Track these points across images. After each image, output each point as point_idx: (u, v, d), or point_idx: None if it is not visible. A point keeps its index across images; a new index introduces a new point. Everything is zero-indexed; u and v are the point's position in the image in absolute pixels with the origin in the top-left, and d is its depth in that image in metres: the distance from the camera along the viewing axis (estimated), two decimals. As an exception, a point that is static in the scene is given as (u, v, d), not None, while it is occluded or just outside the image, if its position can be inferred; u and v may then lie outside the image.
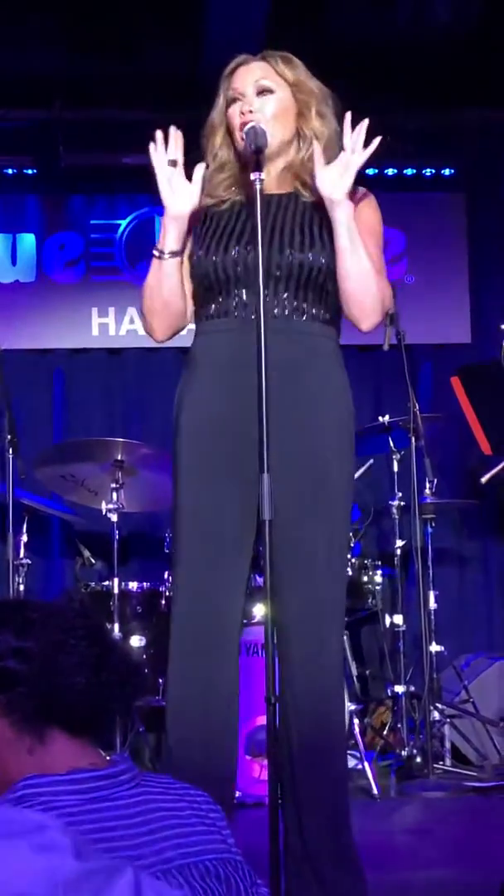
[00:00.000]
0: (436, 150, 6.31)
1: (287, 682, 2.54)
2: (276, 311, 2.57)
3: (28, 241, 6.21)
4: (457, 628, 5.86)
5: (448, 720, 4.82)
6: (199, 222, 2.67)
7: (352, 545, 4.90)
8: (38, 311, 6.16)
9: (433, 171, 6.39)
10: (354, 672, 5.08)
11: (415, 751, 4.60)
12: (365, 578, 5.02)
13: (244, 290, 2.58)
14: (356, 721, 4.43)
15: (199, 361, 2.65)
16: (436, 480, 5.05)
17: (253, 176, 2.47)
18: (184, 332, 2.79)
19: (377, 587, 5.06)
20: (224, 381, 2.58)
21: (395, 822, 4.05)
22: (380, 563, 5.16)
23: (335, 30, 5.38)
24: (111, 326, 6.17)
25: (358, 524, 5.12)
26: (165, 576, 4.71)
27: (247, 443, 2.41)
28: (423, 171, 6.39)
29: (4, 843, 1.20)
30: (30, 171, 6.22)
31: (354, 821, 2.59)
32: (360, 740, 4.38)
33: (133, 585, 4.73)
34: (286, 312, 2.59)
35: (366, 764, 4.32)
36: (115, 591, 4.56)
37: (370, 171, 6.25)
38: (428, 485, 5.01)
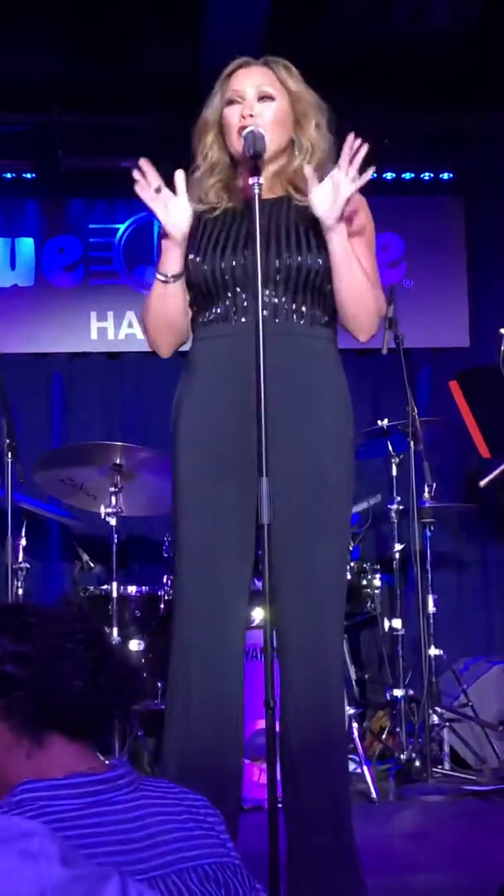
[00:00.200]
0: (434, 153, 6.31)
1: (288, 687, 2.54)
2: (274, 314, 2.57)
3: (27, 244, 6.21)
4: (456, 632, 5.85)
5: (447, 724, 4.82)
6: (194, 228, 2.66)
7: (351, 549, 4.90)
8: (36, 315, 6.17)
9: (432, 174, 6.39)
10: (353, 676, 5.07)
11: (414, 755, 4.60)
12: (364, 582, 5.02)
13: (243, 295, 2.58)
14: (355, 725, 4.43)
15: (199, 366, 2.65)
16: (434, 484, 5.05)
17: (252, 180, 2.48)
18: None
19: (376, 591, 5.06)
20: (224, 384, 2.58)
21: (394, 825, 4.05)
22: (378, 567, 5.15)
23: (334, 32, 5.38)
24: (110, 330, 6.17)
25: (357, 528, 5.12)
26: (164, 580, 4.71)
27: (246, 446, 2.42)
28: (422, 175, 6.39)
29: None
30: (29, 175, 6.22)
31: (353, 824, 2.59)
32: (359, 744, 4.38)
33: (132, 589, 4.73)
34: (285, 316, 2.59)
35: (365, 768, 4.32)
36: (114, 594, 4.55)
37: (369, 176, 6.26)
38: (427, 489, 5.01)
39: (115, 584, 4.57)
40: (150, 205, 2.57)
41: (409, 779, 4.53)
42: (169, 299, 2.64)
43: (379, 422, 5.09)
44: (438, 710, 4.79)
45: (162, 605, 4.67)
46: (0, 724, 1.53)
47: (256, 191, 2.46)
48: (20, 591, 4.68)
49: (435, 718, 4.73)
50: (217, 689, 2.52)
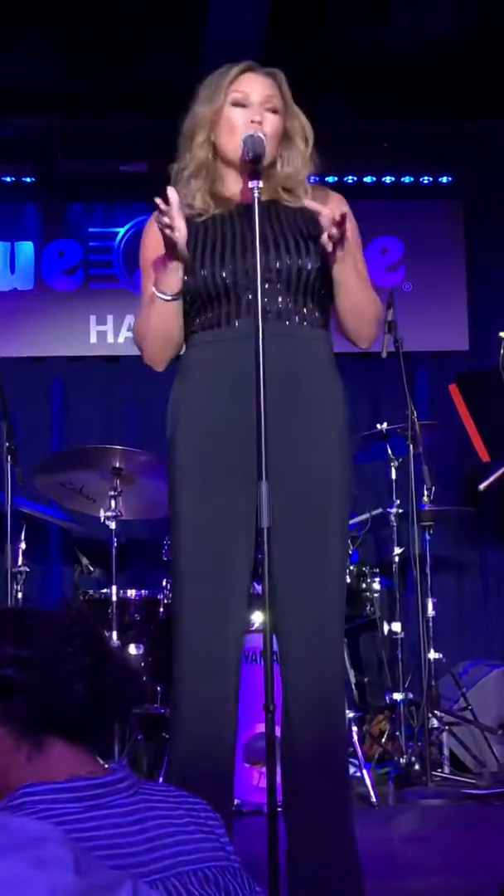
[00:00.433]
0: (433, 157, 6.33)
1: (289, 691, 2.53)
2: (277, 316, 2.58)
3: (26, 248, 6.22)
4: (455, 636, 5.86)
5: (446, 727, 4.82)
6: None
7: (350, 552, 4.90)
8: (36, 319, 6.17)
9: (431, 178, 6.40)
10: (353, 680, 5.08)
11: (413, 758, 4.60)
12: (363, 586, 5.02)
13: (243, 298, 2.58)
14: (354, 729, 4.43)
15: (199, 369, 2.64)
16: (434, 488, 5.06)
17: (251, 184, 2.48)
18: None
19: (375, 595, 5.06)
20: (225, 387, 2.57)
21: (394, 829, 4.05)
22: (378, 570, 5.16)
23: (334, 39, 5.39)
24: (109, 334, 6.18)
25: (356, 532, 5.13)
26: (164, 583, 4.71)
27: (246, 450, 2.42)
28: (421, 179, 6.40)
29: (1, 859, 1.19)
30: (28, 180, 6.23)
31: (354, 829, 2.58)
32: (358, 748, 4.38)
33: (131, 593, 4.73)
34: (286, 317, 2.59)
35: (364, 771, 4.32)
36: (114, 598, 4.56)
37: (368, 179, 6.27)
38: (426, 492, 5.02)
39: (114, 588, 4.57)
40: (166, 232, 2.49)
41: (409, 782, 4.54)
42: (172, 317, 2.62)
43: (378, 425, 5.10)
44: (438, 713, 4.79)
45: (161, 609, 4.67)
46: (0, 728, 1.53)
47: (256, 195, 2.46)
48: (20, 595, 4.68)
49: (434, 722, 4.73)
50: (213, 692, 2.52)
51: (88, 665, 1.54)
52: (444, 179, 6.41)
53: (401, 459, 5.16)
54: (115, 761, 1.61)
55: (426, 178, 6.40)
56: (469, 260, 6.41)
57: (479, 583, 6.18)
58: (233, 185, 2.69)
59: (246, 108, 2.65)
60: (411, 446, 4.85)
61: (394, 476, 5.21)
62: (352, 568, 4.93)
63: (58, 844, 1.22)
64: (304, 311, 2.62)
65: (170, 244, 2.51)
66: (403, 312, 5.12)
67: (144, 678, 4.55)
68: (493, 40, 5.43)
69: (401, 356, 4.81)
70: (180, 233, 2.50)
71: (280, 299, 2.59)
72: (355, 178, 6.19)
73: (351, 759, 4.18)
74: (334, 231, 2.47)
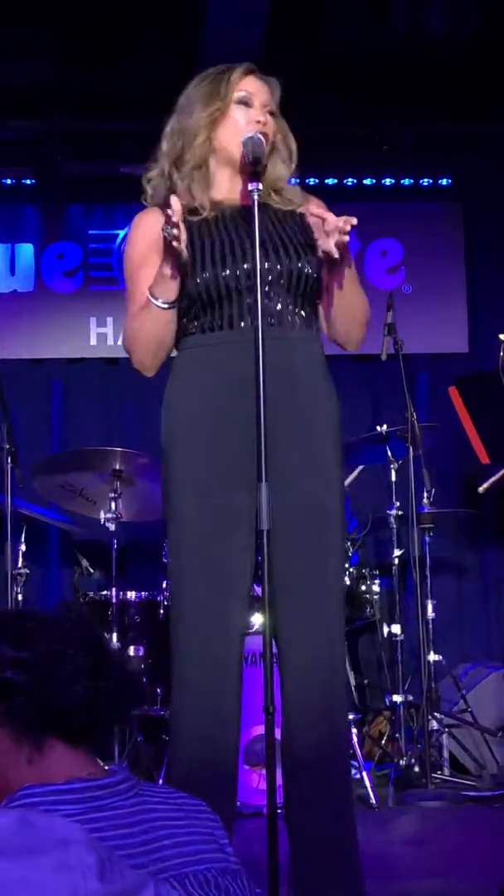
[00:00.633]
0: (433, 159, 6.33)
1: (290, 694, 2.52)
2: (278, 319, 2.58)
3: (27, 250, 6.22)
4: (455, 638, 5.86)
5: (446, 730, 4.82)
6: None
7: (350, 555, 4.90)
8: (36, 321, 6.18)
9: (430, 180, 6.40)
10: (353, 682, 5.07)
11: (413, 760, 4.60)
12: (363, 588, 5.02)
13: (240, 301, 2.58)
14: (354, 730, 4.42)
15: (198, 371, 2.63)
16: (434, 490, 5.06)
17: (251, 186, 2.48)
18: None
19: (375, 597, 5.06)
20: (225, 390, 2.57)
21: (393, 831, 4.05)
22: (378, 572, 5.15)
23: (332, 41, 5.39)
24: (109, 336, 6.18)
25: (356, 534, 5.12)
26: (164, 585, 4.71)
27: (246, 451, 2.42)
28: (421, 181, 6.40)
29: (25, 860, 1.18)
30: (28, 182, 6.23)
31: (356, 832, 2.58)
32: (358, 750, 4.38)
33: (131, 595, 4.73)
34: (285, 319, 2.60)
35: (364, 773, 4.32)
36: (114, 600, 4.56)
37: (368, 181, 6.27)
38: (426, 494, 5.01)
39: (114, 590, 4.58)
40: (173, 244, 2.46)
41: (409, 784, 4.53)
42: (166, 324, 2.60)
43: (378, 427, 5.10)
44: (438, 715, 4.79)
45: (161, 611, 4.67)
46: (0, 729, 1.53)
47: (256, 197, 2.46)
48: (20, 597, 4.68)
49: (434, 724, 4.73)
50: (213, 694, 2.52)
51: (88, 667, 1.54)
52: (444, 181, 6.41)
53: (401, 461, 5.15)
54: (115, 763, 1.61)
55: (426, 179, 6.40)
56: (469, 262, 6.41)
57: (479, 585, 6.18)
58: (225, 185, 2.69)
59: (250, 108, 2.66)
60: (411, 448, 4.85)
61: (394, 478, 5.20)
62: (351, 570, 4.92)
63: (83, 848, 1.21)
64: (302, 312, 2.62)
65: (173, 253, 2.50)
66: (403, 315, 5.12)
67: (144, 680, 4.55)
68: (493, 40, 5.43)
69: (400, 358, 4.80)
70: (184, 242, 2.49)
71: (280, 302, 2.59)
72: (355, 180, 6.18)
73: (351, 762, 4.19)
74: (343, 238, 2.47)
